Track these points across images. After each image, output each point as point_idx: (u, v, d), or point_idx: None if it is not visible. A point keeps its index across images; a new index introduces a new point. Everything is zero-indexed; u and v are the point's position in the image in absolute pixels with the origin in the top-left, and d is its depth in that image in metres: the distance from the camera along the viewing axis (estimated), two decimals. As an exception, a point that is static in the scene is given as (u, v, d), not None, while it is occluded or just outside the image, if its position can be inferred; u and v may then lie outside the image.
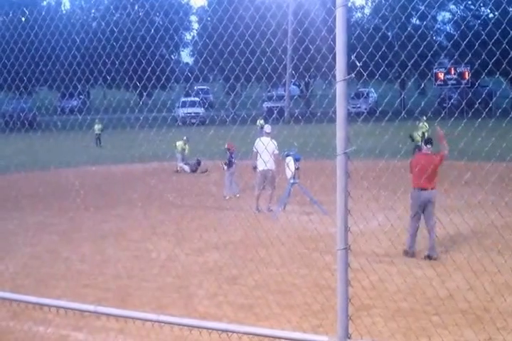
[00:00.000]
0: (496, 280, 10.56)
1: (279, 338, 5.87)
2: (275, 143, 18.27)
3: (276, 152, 18.32)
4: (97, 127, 43.36)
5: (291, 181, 17.97)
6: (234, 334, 6.88)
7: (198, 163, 29.45)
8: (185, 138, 30.05)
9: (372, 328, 8.46)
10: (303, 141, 15.89)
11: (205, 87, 68.77)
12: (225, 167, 22.11)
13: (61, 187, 23.75)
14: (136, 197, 20.36)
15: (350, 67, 4.84)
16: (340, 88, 4.61)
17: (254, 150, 18.21)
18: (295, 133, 14.76)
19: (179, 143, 30.03)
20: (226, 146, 22.11)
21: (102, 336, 8.71)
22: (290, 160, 17.95)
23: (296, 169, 17.95)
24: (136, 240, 14.99)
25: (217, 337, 7.42)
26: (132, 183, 24.90)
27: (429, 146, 13.24)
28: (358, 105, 51.92)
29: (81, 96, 66.29)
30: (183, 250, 13.63)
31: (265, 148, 17.40)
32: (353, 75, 4.85)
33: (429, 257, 12.69)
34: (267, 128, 18.63)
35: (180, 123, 47.07)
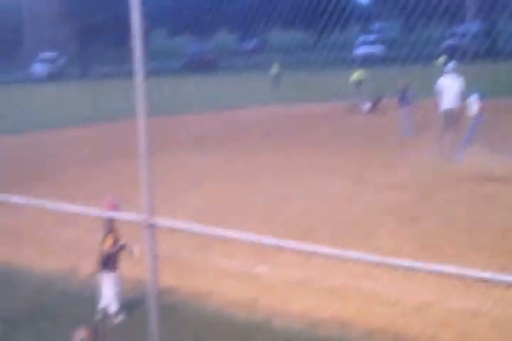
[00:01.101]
0: None
1: (468, 278, 5.68)
2: (461, 81, 17.49)
3: (462, 90, 17.55)
4: (275, 69, 43.69)
5: (474, 120, 17.25)
6: (418, 273, 6.76)
7: (378, 100, 28.74)
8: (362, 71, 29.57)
9: None
10: (488, 79, 15.14)
11: (381, 26, 66.95)
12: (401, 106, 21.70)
13: (242, 127, 24.31)
14: (314, 137, 20.43)
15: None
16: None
17: (438, 88, 17.56)
18: (478, 72, 14.06)
19: (356, 74, 29.53)
20: (402, 85, 21.63)
21: (284, 270, 8.85)
22: (474, 99, 17.20)
23: (479, 108, 17.18)
24: (317, 178, 15.02)
25: (401, 275, 7.35)
26: (312, 123, 25.00)
27: None
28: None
29: (258, 38, 66.80)
30: (364, 189, 13.54)
31: (450, 86, 16.73)
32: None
33: None
34: (452, 65, 17.85)
35: (358, 63, 46.38)
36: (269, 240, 7.24)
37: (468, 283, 6.70)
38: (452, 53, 41.11)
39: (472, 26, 57.73)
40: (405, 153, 17.49)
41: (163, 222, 5.05)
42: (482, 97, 17.55)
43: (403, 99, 22.05)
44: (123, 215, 5.91)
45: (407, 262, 7.16)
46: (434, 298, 7.48)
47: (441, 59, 34.92)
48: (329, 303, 7.52)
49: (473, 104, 17.31)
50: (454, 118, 17.62)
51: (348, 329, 6.74)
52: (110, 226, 7.55)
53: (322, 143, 19.89)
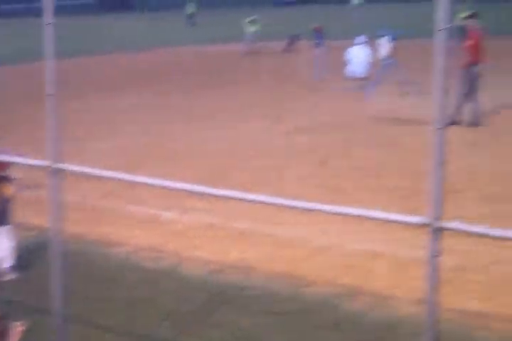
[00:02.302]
0: None
1: (370, 219, 5.82)
2: (369, 51, 17.66)
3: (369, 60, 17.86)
4: (190, 8, 42.94)
5: (385, 61, 17.45)
6: (323, 217, 6.89)
7: (293, 40, 28.56)
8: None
9: (463, 211, 8.31)
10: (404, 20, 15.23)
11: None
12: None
13: (156, 68, 23.94)
14: (229, 78, 20.30)
15: None
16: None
17: (347, 57, 17.82)
18: (392, 13, 14.20)
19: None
20: (314, 27, 21.61)
21: (193, 216, 8.85)
22: (384, 40, 17.36)
23: (391, 49, 17.39)
24: (230, 121, 14.99)
25: (307, 219, 7.47)
26: (225, 65, 24.82)
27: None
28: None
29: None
30: (276, 132, 13.61)
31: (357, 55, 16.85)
32: None
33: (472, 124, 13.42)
34: (362, 38, 17.89)
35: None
36: (176, 185, 7.24)
37: (371, 226, 6.88)
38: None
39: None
40: (316, 96, 17.62)
41: (70, 167, 4.86)
42: (394, 38, 17.74)
43: (316, 39, 22.07)
44: (27, 160, 5.69)
45: (310, 204, 7.28)
46: (337, 241, 7.66)
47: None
48: (235, 248, 7.60)
49: (384, 46, 17.47)
50: None
51: (250, 274, 6.85)
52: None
53: (234, 86, 19.81)
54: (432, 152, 4.49)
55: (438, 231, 4.76)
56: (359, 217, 5.81)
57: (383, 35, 17.68)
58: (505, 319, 5.70)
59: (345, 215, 5.94)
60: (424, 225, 4.76)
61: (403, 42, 18.88)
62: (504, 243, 5.28)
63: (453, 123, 13.12)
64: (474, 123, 13.50)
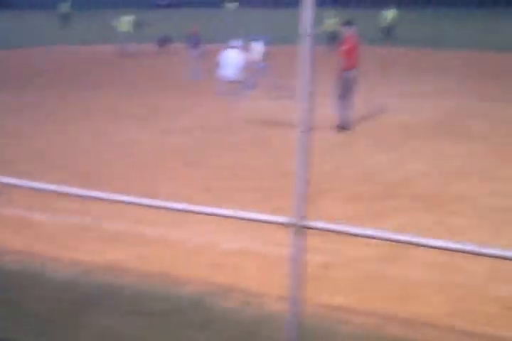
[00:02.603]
0: (451, 166, 10.87)
1: (238, 218, 5.96)
2: (244, 55, 17.68)
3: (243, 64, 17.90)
4: (64, 8, 42.01)
5: (258, 65, 17.76)
6: (196, 215, 6.96)
7: (164, 42, 28.57)
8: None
9: (329, 211, 8.64)
10: (272, 25, 15.57)
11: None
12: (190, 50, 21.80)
13: (24, 68, 23.29)
14: (100, 79, 20.04)
15: None
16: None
17: (221, 60, 17.83)
18: (265, 17, 14.49)
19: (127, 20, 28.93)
20: (191, 29, 21.66)
21: (62, 217, 8.72)
22: (256, 45, 17.68)
23: (263, 53, 17.73)
24: (102, 122, 14.86)
25: (182, 219, 7.53)
26: (99, 64, 24.47)
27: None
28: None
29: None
30: (148, 133, 13.60)
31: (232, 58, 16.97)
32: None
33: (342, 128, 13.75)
34: (236, 42, 17.94)
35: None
36: (47, 186, 7.13)
37: (243, 225, 7.03)
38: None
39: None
40: (190, 98, 17.71)
41: None
42: (267, 43, 18.09)
43: (192, 42, 22.18)
44: None
45: (183, 205, 7.37)
46: (211, 241, 7.78)
47: (231, 4, 35.28)
48: (107, 249, 7.56)
49: (257, 50, 17.77)
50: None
51: (123, 275, 6.84)
52: None
53: (104, 87, 19.59)
54: (296, 154, 4.69)
55: (302, 230, 4.97)
56: (229, 217, 5.96)
57: (256, 40, 18.00)
58: (368, 313, 5.98)
59: (215, 215, 6.09)
60: (289, 224, 4.96)
61: (276, 47, 19.30)
62: (367, 241, 5.55)
63: (343, 127, 13.77)
64: (345, 126, 13.86)
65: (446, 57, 25.52)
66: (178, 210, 6.60)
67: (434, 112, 15.20)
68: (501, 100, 16.64)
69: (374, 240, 4.78)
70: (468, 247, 4.16)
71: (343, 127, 13.81)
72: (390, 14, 33.56)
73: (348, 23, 14.20)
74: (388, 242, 4.68)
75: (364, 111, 15.10)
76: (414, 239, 4.37)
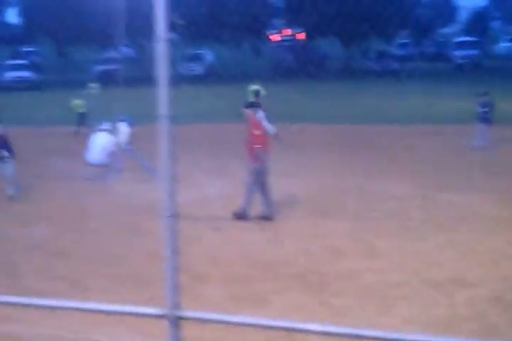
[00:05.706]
0: (329, 244, 10.77)
1: (106, 312, 5.57)
2: (111, 138, 17.17)
3: (110, 147, 17.31)
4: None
5: (124, 148, 17.42)
6: (66, 312, 6.49)
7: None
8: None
9: (205, 297, 8.34)
10: (138, 104, 15.41)
11: (33, 49, 64.76)
12: None
13: None
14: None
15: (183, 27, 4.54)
16: (161, 48, 4.29)
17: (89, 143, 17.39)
18: (130, 97, 14.31)
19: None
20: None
21: None
22: (122, 126, 17.44)
23: (129, 135, 17.48)
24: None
25: (48, 314, 7.02)
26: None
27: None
28: (194, 68, 51.05)
29: None
30: (8, 223, 12.87)
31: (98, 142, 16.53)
32: (174, 35, 4.55)
33: (266, 218, 12.53)
34: (105, 125, 17.42)
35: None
36: None
37: (114, 317, 6.60)
38: (106, 78, 41.58)
39: (124, 51, 58.82)
40: (56, 182, 17.02)
41: None
42: (131, 124, 17.84)
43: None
44: None
45: (50, 301, 6.88)
46: (79, 335, 7.30)
47: (93, 85, 34.76)
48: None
49: (123, 132, 17.45)
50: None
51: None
52: None
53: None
54: (165, 240, 4.43)
55: (176, 321, 4.67)
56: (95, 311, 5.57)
57: (122, 121, 17.71)
58: None
59: (84, 310, 5.68)
60: (162, 316, 4.64)
61: (143, 126, 19.02)
62: (251, 327, 5.28)
63: (241, 216, 12.50)
64: (267, 216, 12.60)
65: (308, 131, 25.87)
66: (46, 307, 6.14)
67: (303, 190, 14.78)
68: (375, 174, 16.24)
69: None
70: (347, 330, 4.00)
71: (265, 217, 12.59)
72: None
73: (251, 104, 13.26)
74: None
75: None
76: (294, 325, 4.18)
